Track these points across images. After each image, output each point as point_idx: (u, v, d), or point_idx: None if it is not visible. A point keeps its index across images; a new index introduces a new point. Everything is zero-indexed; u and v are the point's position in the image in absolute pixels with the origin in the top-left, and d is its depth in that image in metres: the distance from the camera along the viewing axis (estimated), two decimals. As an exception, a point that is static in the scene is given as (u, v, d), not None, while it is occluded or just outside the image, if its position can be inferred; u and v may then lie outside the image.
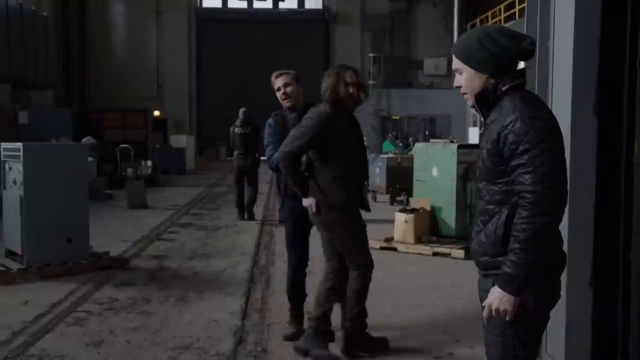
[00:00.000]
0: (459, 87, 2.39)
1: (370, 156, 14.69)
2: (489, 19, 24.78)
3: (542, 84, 4.24)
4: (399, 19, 31.19)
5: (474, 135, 23.05)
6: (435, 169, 8.02)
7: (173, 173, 20.71)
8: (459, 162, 7.91)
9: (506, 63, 2.29)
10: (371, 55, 30.00)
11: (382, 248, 7.96)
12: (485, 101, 2.34)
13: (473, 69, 2.32)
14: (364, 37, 31.04)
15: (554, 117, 2.31)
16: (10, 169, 6.66)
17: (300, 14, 31.62)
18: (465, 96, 2.40)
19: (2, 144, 6.94)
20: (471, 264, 6.42)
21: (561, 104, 3.99)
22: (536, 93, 4.28)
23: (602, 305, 3.94)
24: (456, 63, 2.37)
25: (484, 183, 2.38)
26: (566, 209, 3.78)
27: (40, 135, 16.41)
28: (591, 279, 3.92)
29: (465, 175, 7.98)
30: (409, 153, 22.57)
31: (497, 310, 2.25)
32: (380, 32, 30.99)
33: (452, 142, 8.68)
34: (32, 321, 4.96)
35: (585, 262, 3.91)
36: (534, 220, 2.15)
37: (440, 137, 25.92)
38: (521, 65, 2.42)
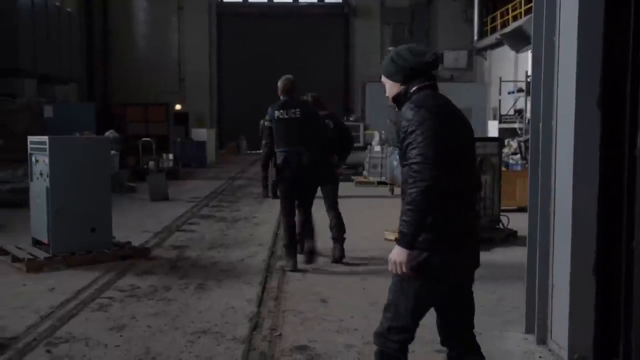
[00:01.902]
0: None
1: (388, 150, 14.81)
2: (509, 11, 24.66)
3: (548, 78, 4.36)
4: (418, 12, 31.15)
5: (493, 129, 22.97)
6: (450, 161, 8.12)
7: (194, 166, 21.01)
8: (473, 155, 7.99)
9: (411, 73, 2.89)
10: (391, 48, 29.99)
11: (397, 240, 8.08)
12: (399, 102, 2.93)
13: (390, 80, 2.96)
14: (383, 31, 31.08)
15: (440, 108, 2.82)
16: (36, 161, 6.91)
17: (320, 7, 31.74)
18: (389, 100, 3.01)
19: (29, 137, 7.20)
20: (483, 255, 6.66)
21: (566, 97, 4.10)
22: (542, 88, 4.42)
23: (605, 293, 4.06)
24: (382, 78, 3.02)
25: (402, 166, 2.85)
26: (570, 200, 3.94)
27: (64, 129, 16.77)
28: (594, 267, 4.04)
29: (479, 168, 8.07)
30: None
31: (395, 262, 2.72)
32: (400, 25, 30.99)
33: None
34: (58, 306, 5.20)
35: (589, 251, 4.03)
36: (417, 185, 2.63)
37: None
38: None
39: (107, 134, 16.66)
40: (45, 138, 6.76)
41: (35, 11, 18.96)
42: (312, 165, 6.34)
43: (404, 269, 2.70)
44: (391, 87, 2.97)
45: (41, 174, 6.80)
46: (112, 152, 14.68)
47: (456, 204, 2.78)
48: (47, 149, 6.63)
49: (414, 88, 2.88)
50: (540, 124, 4.45)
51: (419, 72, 2.89)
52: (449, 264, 2.79)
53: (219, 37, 31.13)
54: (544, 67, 4.40)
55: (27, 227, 7.36)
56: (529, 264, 4.56)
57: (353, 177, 16.62)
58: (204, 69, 30.48)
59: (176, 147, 21.06)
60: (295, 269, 6.37)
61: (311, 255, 6.76)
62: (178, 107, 26.69)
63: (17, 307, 5.18)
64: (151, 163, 15.65)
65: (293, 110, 6.41)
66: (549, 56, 4.35)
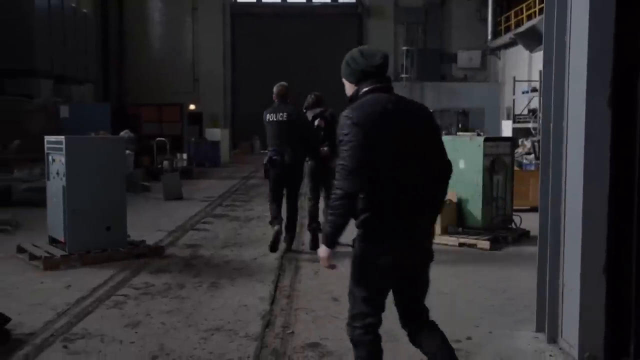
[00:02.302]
0: None
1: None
2: (524, 10, 24.57)
3: (559, 79, 4.37)
4: (432, 11, 31.10)
5: (507, 128, 22.89)
6: (462, 161, 8.14)
7: (208, 166, 21.15)
8: (485, 155, 8.02)
9: (362, 75, 3.06)
10: (404, 48, 30.00)
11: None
12: (353, 102, 3.07)
13: (346, 81, 3.15)
14: (397, 31, 31.06)
15: (374, 114, 2.92)
16: (53, 160, 7.02)
17: (334, 7, 31.79)
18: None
19: (46, 137, 7.31)
20: (496, 255, 6.93)
21: (577, 97, 4.12)
22: (553, 88, 4.43)
23: (616, 293, 4.08)
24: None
25: None
26: (580, 200, 3.95)
27: (80, 129, 16.95)
28: (605, 267, 4.06)
29: (491, 167, 8.09)
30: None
31: (321, 258, 3.00)
32: (413, 25, 30.97)
33: (478, 135, 8.76)
34: (75, 303, 5.29)
35: (600, 251, 4.05)
36: (336, 192, 2.88)
37: (472, 131, 25.92)
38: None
39: (122, 133, 16.81)
40: (61, 138, 6.86)
41: (51, 12, 19.15)
42: (293, 164, 7.15)
43: (326, 265, 3.00)
44: (348, 88, 3.16)
45: (57, 173, 6.90)
46: (127, 151, 14.83)
47: (394, 201, 2.94)
48: (64, 149, 6.72)
49: (363, 90, 3.05)
50: (551, 125, 4.47)
51: (369, 74, 3.05)
52: (383, 255, 2.97)
53: (233, 38, 31.28)
54: (555, 67, 4.42)
55: (44, 225, 7.47)
56: (540, 263, 4.58)
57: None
58: (218, 69, 30.64)
59: (190, 146, 21.20)
60: (280, 231, 7.27)
61: (291, 241, 7.56)
62: (192, 107, 26.86)
63: (35, 304, 5.27)
64: (165, 163, 15.77)
65: (281, 114, 7.22)
66: (560, 57, 4.36)
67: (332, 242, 2.94)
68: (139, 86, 28.99)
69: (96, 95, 25.59)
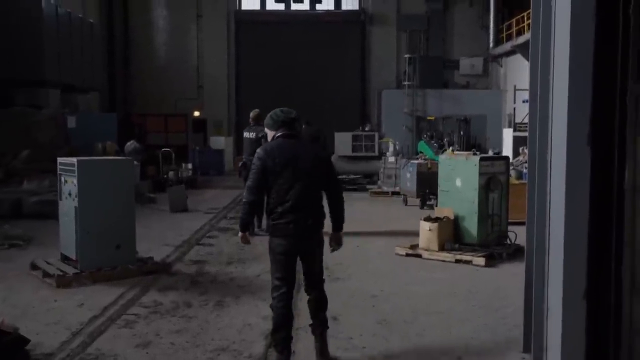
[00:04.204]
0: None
1: (401, 161, 15.12)
2: (525, 19, 24.82)
3: (543, 118, 4.67)
4: (435, 19, 31.33)
5: (508, 137, 23.16)
6: (459, 179, 8.43)
7: (212, 174, 21.47)
8: (480, 174, 8.30)
9: (277, 125, 4.64)
10: (407, 56, 30.26)
11: (407, 255, 8.43)
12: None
13: (268, 130, 4.72)
14: (399, 38, 31.30)
15: (273, 151, 4.50)
16: (65, 181, 7.32)
17: (337, 15, 32.04)
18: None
19: (59, 158, 7.62)
20: (491, 271, 7.35)
21: (559, 135, 4.40)
22: (538, 126, 4.73)
23: (596, 317, 4.35)
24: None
25: None
26: (562, 231, 4.24)
27: (87, 139, 17.30)
28: (585, 292, 4.34)
29: (487, 186, 8.37)
30: (444, 153, 22.91)
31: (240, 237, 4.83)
32: (416, 32, 31.21)
33: (474, 154, 9.05)
34: (88, 323, 5.60)
35: (580, 277, 4.33)
36: (243, 201, 4.65)
37: (475, 139, 26.11)
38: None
39: (128, 144, 17.16)
40: (74, 160, 7.16)
41: (59, 23, 19.52)
42: None
43: (243, 242, 4.78)
44: (269, 135, 4.74)
45: (70, 194, 7.20)
46: (134, 162, 15.15)
47: (285, 208, 4.44)
48: (76, 171, 7.02)
49: (277, 136, 4.64)
50: (537, 157, 4.76)
51: (284, 126, 4.63)
52: (281, 243, 4.49)
53: (237, 45, 31.56)
54: (539, 104, 4.72)
55: (54, 239, 7.78)
56: (526, 287, 4.87)
57: (368, 187, 16.95)
58: (222, 76, 30.94)
59: (195, 155, 21.54)
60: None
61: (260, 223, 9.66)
62: (196, 113, 27.20)
63: (50, 323, 5.58)
64: (171, 173, 16.07)
65: (252, 133, 9.97)
66: (544, 93, 4.66)
67: (243, 228, 4.72)
68: (143, 93, 29.31)
69: (102, 103, 25.93)
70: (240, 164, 10.04)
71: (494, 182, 8.44)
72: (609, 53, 4.20)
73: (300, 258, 4.62)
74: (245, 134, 10.25)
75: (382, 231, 10.61)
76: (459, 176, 8.44)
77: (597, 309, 4.34)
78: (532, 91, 4.89)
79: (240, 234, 4.74)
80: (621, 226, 4.23)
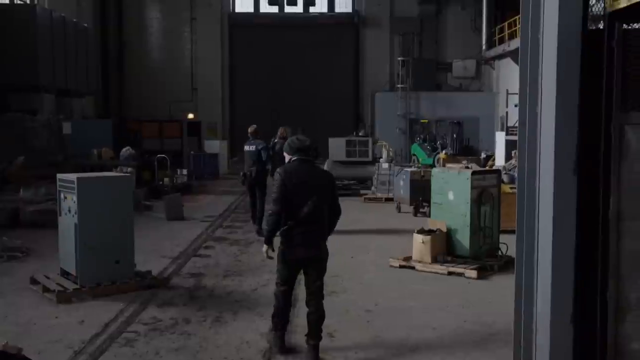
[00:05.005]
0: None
1: (395, 169, 15.29)
2: (517, 22, 25.02)
3: (532, 140, 4.82)
4: (427, 21, 31.55)
5: (500, 140, 23.37)
6: (451, 193, 8.60)
7: (207, 177, 21.59)
8: (473, 187, 8.47)
9: (294, 151, 5.37)
10: (400, 58, 30.45)
11: (401, 267, 8.59)
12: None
13: (286, 153, 5.46)
14: (393, 40, 31.51)
15: (292, 172, 5.28)
16: (65, 198, 7.44)
17: (331, 18, 32.20)
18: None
19: (58, 175, 7.74)
20: (482, 284, 7.62)
21: (546, 166, 4.57)
22: (526, 157, 4.89)
23: (583, 341, 4.52)
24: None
25: None
26: (550, 256, 4.40)
27: (82, 145, 17.40)
28: (572, 317, 4.51)
29: (479, 199, 8.54)
30: (437, 156, 23.07)
31: (263, 251, 5.54)
32: (409, 35, 31.41)
33: (467, 167, 9.22)
34: (89, 341, 5.72)
35: (567, 302, 4.50)
36: (269, 212, 5.34)
37: (467, 141, 26.29)
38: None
39: (123, 150, 17.26)
40: (73, 177, 7.28)
41: (53, 27, 19.58)
42: (255, 177, 11.19)
43: (265, 255, 5.52)
44: (287, 158, 5.46)
45: (69, 210, 7.32)
46: (129, 169, 15.26)
47: (296, 223, 5.18)
48: (75, 188, 7.14)
49: (293, 159, 5.39)
50: (525, 182, 4.92)
51: (299, 151, 5.37)
52: (290, 254, 5.28)
53: (231, 47, 31.70)
54: (528, 130, 4.87)
55: (53, 251, 7.88)
56: (516, 312, 5.02)
57: (362, 192, 17.10)
58: (216, 79, 31.08)
59: (190, 158, 21.65)
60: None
61: (260, 222, 10.87)
62: (191, 116, 27.32)
63: (53, 341, 5.70)
64: (166, 180, 16.17)
65: (252, 146, 11.31)
66: (532, 120, 4.81)
67: (267, 240, 5.39)
68: (138, 96, 29.43)
69: (96, 108, 25.99)
70: (241, 173, 11.69)
71: (485, 195, 8.61)
72: (593, 90, 4.37)
73: (305, 268, 5.39)
74: (246, 147, 11.42)
75: (376, 241, 10.77)
76: (452, 189, 8.60)
77: (583, 333, 4.52)
78: (520, 119, 5.03)
79: (265, 247, 5.40)
80: (606, 253, 4.41)
